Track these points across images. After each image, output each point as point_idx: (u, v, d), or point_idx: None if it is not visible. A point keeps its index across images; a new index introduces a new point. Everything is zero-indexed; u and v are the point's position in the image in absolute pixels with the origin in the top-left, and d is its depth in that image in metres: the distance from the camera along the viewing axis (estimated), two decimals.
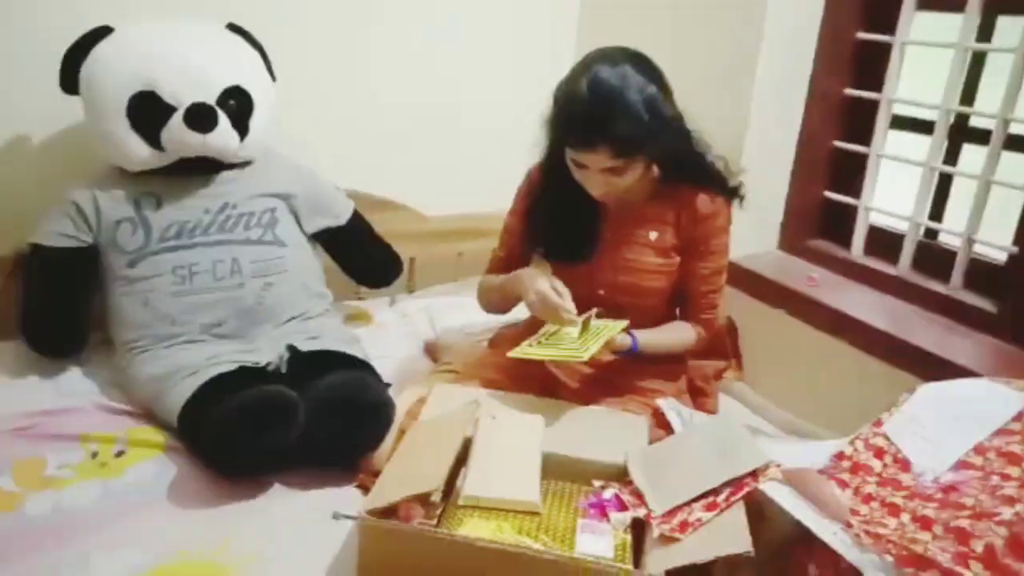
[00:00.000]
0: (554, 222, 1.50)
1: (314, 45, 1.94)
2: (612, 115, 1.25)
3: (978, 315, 1.52)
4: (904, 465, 1.16)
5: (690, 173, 1.42)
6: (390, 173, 2.10)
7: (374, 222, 1.95)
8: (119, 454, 1.40)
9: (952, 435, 1.16)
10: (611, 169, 1.32)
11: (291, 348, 1.53)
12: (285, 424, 1.31)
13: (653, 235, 1.46)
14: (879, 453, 1.20)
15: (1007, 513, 1.01)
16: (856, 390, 1.57)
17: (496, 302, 1.58)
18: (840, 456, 1.22)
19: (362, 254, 1.87)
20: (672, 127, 1.32)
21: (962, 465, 1.12)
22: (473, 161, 2.17)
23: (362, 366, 1.54)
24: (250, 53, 1.66)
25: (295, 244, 1.67)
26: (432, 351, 1.87)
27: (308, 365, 1.49)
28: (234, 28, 1.67)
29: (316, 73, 1.96)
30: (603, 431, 1.34)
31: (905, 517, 1.07)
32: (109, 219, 1.54)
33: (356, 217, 1.83)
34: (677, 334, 1.50)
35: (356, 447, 1.36)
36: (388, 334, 1.90)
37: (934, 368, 1.42)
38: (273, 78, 1.71)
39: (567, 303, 1.36)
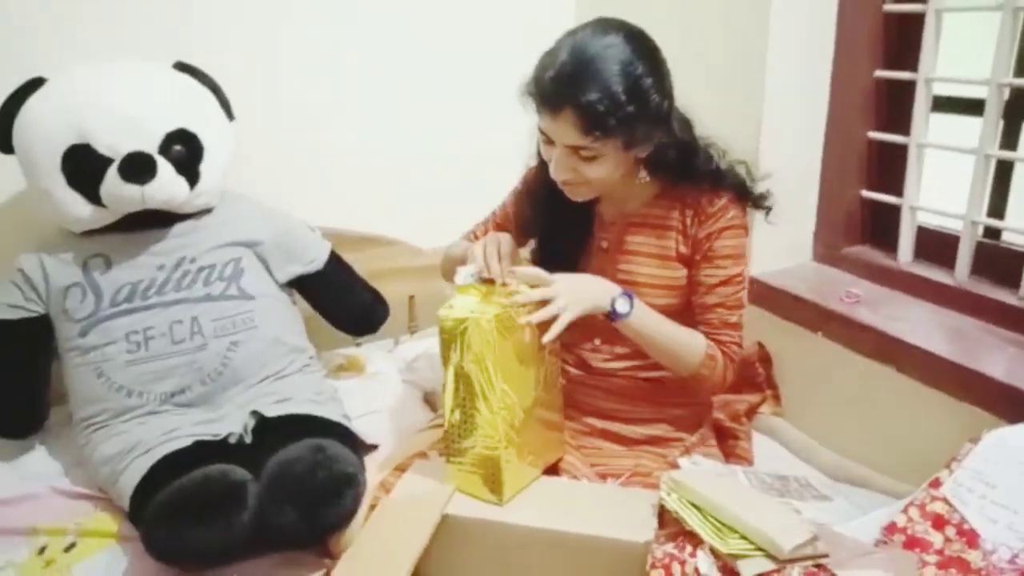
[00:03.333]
0: (544, 227, 1.33)
1: (288, 77, 1.81)
2: (583, 79, 1.09)
3: None
4: (971, 539, 0.93)
5: (689, 174, 1.22)
6: (378, 207, 1.96)
7: (364, 260, 1.81)
8: (69, 547, 1.28)
9: None
10: (578, 150, 1.14)
11: (256, 414, 1.37)
12: (230, 512, 1.15)
13: (654, 242, 1.26)
14: (939, 523, 0.96)
15: None
16: (913, 426, 1.33)
17: (450, 272, 1.40)
18: (892, 528, 0.99)
19: (343, 300, 1.71)
20: (655, 117, 1.13)
21: None
22: (468, 187, 2.00)
23: (336, 430, 1.38)
24: (199, 92, 1.52)
25: (265, 296, 1.52)
26: (433, 401, 1.70)
27: (275, 433, 1.34)
28: (182, 67, 1.53)
29: (292, 106, 1.82)
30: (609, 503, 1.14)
31: None
32: (57, 285, 1.42)
33: (334, 260, 1.67)
34: (686, 334, 1.23)
35: (318, 530, 1.20)
36: (384, 384, 1.74)
37: (1006, 399, 1.17)
38: (230, 116, 1.57)
39: (488, 261, 1.20)
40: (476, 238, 1.45)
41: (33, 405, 1.50)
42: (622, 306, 1.18)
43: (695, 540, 1.00)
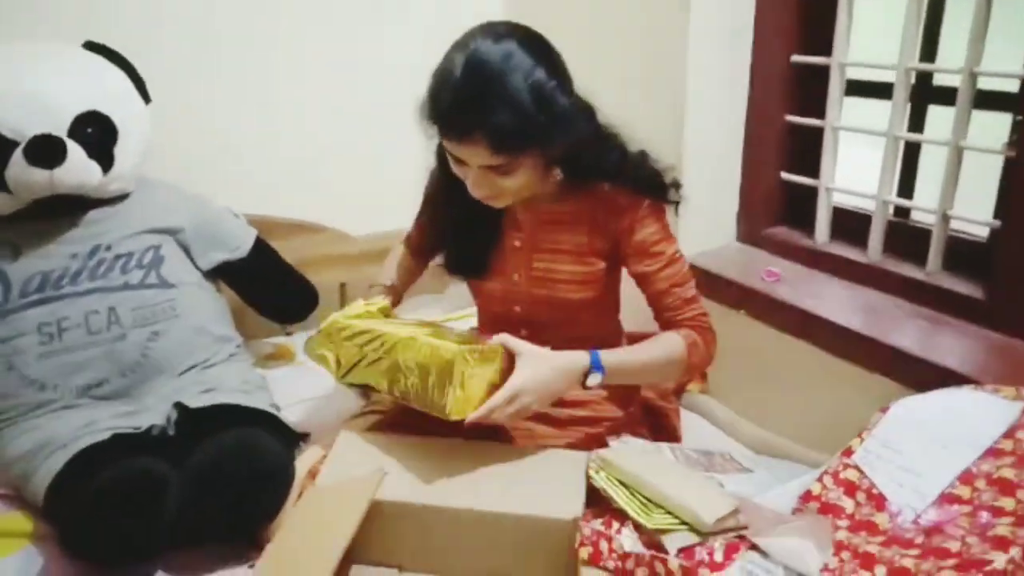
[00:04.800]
0: (451, 232, 1.30)
1: (208, 57, 1.76)
2: (489, 102, 1.03)
3: (961, 301, 1.32)
4: (879, 502, 0.97)
5: (597, 172, 1.20)
6: (307, 193, 1.93)
7: (293, 248, 1.78)
8: None
9: (933, 462, 0.97)
10: (493, 167, 1.10)
11: (179, 406, 1.34)
12: (151, 507, 1.12)
13: (568, 238, 1.24)
14: (851, 489, 1.01)
15: (1000, 560, 0.82)
16: (831, 399, 1.38)
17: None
18: (807, 496, 1.03)
19: (270, 288, 1.67)
20: (566, 119, 1.09)
21: (946, 499, 0.93)
22: (400, 172, 1.97)
23: (262, 419, 1.35)
24: (113, 73, 1.46)
25: (187, 284, 1.48)
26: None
27: (198, 424, 1.30)
28: (93, 47, 1.47)
29: (213, 89, 1.77)
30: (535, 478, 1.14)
31: (881, 571, 0.88)
32: None
33: (259, 247, 1.62)
34: (659, 348, 1.19)
35: (246, 522, 1.18)
36: (314, 372, 1.70)
37: (914, 370, 1.23)
38: (146, 99, 1.52)
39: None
40: (409, 242, 1.45)
41: None
42: (593, 381, 1.14)
43: (622, 517, 1.02)
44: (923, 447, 0.99)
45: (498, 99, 1.03)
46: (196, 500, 1.16)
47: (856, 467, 1.02)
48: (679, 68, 1.55)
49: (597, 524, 1.01)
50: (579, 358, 1.13)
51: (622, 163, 1.20)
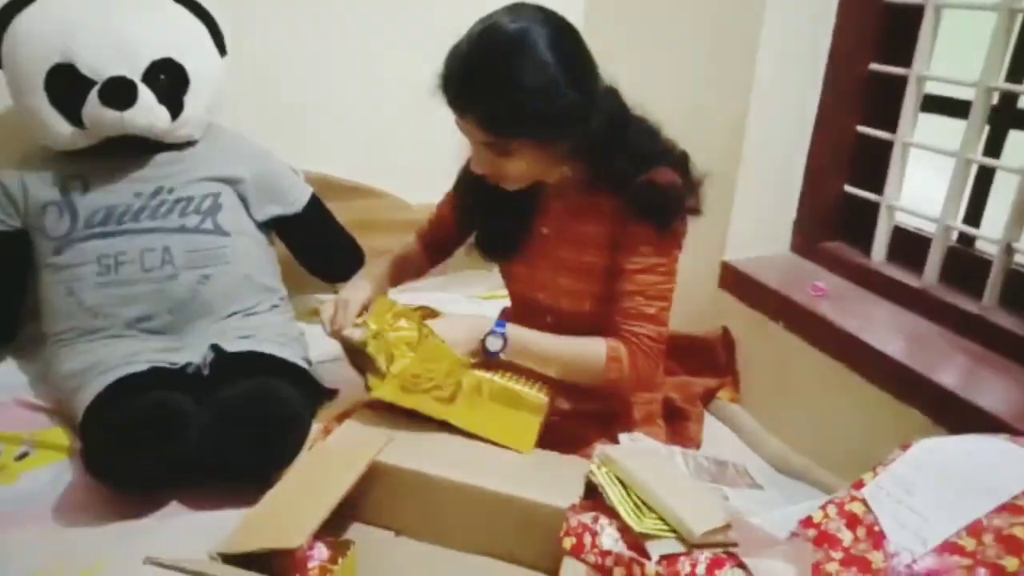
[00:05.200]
0: (483, 213, 1.30)
1: (284, 15, 1.80)
2: (483, 80, 1.04)
3: (1014, 340, 1.24)
4: (878, 540, 0.93)
5: (611, 177, 1.15)
6: (371, 158, 1.97)
7: (352, 211, 1.82)
8: (22, 456, 1.33)
9: (943, 508, 0.92)
10: (491, 147, 1.10)
11: (216, 348, 1.40)
12: (169, 439, 1.18)
13: (593, 229, 1.21)
14: (853, 522, 0.97)
15: None
16: (861, 426, 1.33)
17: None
18: (807, 522, 1.00)
19: (318, 246, 1.72)
20: (568, 114, 1.06)
21: (948, 548, 0.88)
22: (462, 144, 1.99)
23: (292, 371, 1.40)
24: (192, 23, 1.52)
25: (240, 233, 1.54)
26: None
27: (232, 368, 1.36)
28: None
29: (286, 46, 1.83)
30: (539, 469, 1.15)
31: None
32: (37, 202, 1.44)
33: (313, 204, 1.67)
34: (578, 347, 1.17)
35: (259, 466, 1.23)
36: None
37: (951, 409, 1.17)
38: (223, 52, 1.57)
39: (338, 316, 1.22)
40: (424, 233, 1.46)
41: (6, 318, 1.55)
42: (493, 344, 1.15)
43: (611, 515, 1.01)
44: (936, 492, 0.94)
45: (496, 80, 1.03)
46: (215, 439, 1.22)
47: (863, 501, 0.98)
48: (747, 62, 1.49)
49: (585, 517, 1.01)
50: (487, 320, 1.17)
51: (641, 173, 1.14)
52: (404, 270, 1.45)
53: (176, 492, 1.24)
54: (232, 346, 1.41)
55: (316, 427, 1.31)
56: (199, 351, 1.40)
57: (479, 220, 1.33)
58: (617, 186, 1.15)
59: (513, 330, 1.16)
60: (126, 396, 1.25)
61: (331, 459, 1.12)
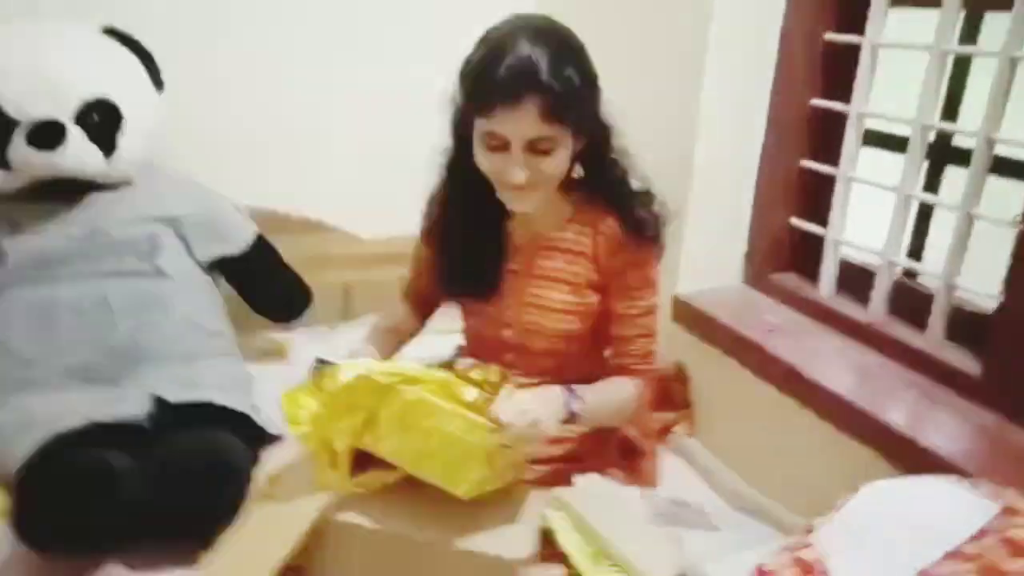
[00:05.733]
0: (453, 254, 1.28)
1: (227, 47, 1.76)
2: (545, 62, 1.05)
3: (958, 375, 1.26)
4: None
5: (607, 185, 1.20)
6: (319, 192, 1.93)
7: (301, 246, 1.78)
8: None
9: (891, 556, 0.92)
10: (536, 144, 1.09)
11: (157, 399, 1.34)
12: (99, 500, 1.14)
13: (564, 268, 1.22)
14: (806, 570, 0.96)
15: None
16: (815, 463, 1.33)
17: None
18: (760, 571, 0.99)
19: (265, 286, 1.68)
20: (597, 106, 1.15)
21: None
22: (413, 176, 1.97)
23: (236, 420, 1.35)
24: (126, 59, 1.48)
25: (182, 275, 1.49)
26: None
27: (174, 418, 1.31)
28: (111, 32, 1.48)
29: (229, 79, 1.78)
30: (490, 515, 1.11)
31: None
32: None
33: (259, 244, 1.63)
34: (618, 392, 1.23)
35: (197, 522, 1.18)
36: (303, 373, 1.71)
37: (898, 447, 1.17)
38: (159, 87, 1.53)
39: None
40: (410, 284, 1.40)
41: None
42: (576, 405, 1.14)
43: (567, 564, 1.00)
44: (884, 538, 0.94)
45: (556, 60, 1.06)
46: (152, 495, 1.17)
47: (815, 547, 0.98)
48: (692, 98, 1.50)
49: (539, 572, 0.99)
50: (552, 389, 1.15)
51: (629, 192, 1.21)
52: (401, 341, 1.38)
53: (117, 552, 1.19)
54: (174, 395, 1.35)
55: (262, 474, 1.26)
56: (140, 402, 1.34)
57: (450, 260, 1.29)
58: (615, 200, 1.20)
59: (580, 390, 1.16)
60: (61, 453, 1.20)
61: (272, 515, 1.08)
